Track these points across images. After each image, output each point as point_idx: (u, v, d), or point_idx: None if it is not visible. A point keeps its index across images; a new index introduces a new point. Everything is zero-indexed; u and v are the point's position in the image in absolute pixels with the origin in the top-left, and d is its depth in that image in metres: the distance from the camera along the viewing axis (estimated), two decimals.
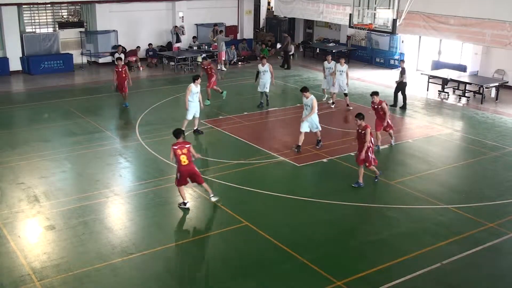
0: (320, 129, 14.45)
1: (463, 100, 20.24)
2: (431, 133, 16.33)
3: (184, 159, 10.72)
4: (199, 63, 25.65)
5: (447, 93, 20.62)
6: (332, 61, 19.10)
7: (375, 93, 14.38)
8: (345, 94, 18.81)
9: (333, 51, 27.30)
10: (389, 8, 19.82)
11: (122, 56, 23.32)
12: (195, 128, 15.62)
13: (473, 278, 8.94)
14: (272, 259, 9.32)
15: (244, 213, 10.85)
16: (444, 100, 20.36)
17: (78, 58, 25.29)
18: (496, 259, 9.50)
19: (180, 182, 10.96)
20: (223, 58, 25.60)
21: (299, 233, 10.26)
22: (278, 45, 28.65)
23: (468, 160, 14.28)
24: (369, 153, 11.95)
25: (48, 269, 8.88)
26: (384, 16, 20.02)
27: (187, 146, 10.82)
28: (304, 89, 14.25)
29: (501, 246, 9.88)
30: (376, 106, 14.28)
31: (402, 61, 19.72)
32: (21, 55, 23.86)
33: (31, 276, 8.68)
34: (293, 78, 23.53)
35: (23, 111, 18.69)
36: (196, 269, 9.18)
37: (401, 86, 18.64)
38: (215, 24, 27.31)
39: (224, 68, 25.43)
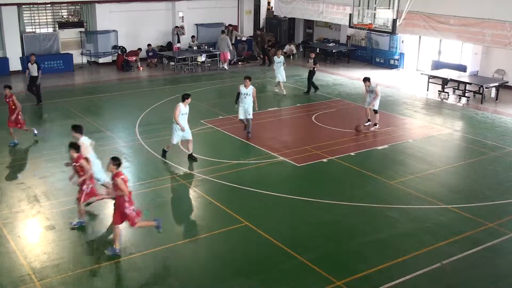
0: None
1: (463, 100, 20.24)
2: (431, 133, 16.32)
3: None
4: (199, 63, 25.74)
5: (447, 93, 20.62)
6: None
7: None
8: (375, 111, 16.35)
9: (333, 51, 27.41)
10: (389, 8, 19.83)
11: (35, 71, 18.61)
12: (189, 153, 13.65)
13: (473, 278, 8.94)
14: (272, 259, 9.32)
15: (244, 213, 10.85)
16: (444, 100, 20.36)
17: (78, 58, 25.29)
18: (496, 259, 9.50)
19: None
20: (229, 58, 25.79)
21: (299, 233, 10.26)
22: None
23: (468, 160, 14.28)
24: (83, 189, 9.83)
25: (48, 269, 8.88)
26: (384, 16, 20.02)
27: None
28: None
29: (501, 246, 9.88)
30: (74, 164, 10.01)
31: (312, 52, 21.51)
32: (21, 55, 23.86)
33: (31, 276, 8.68)
34: (293, 78, 23.50)
35: (23, 111, 18.58)
36: (196, 269, 9.17)
37: (311, 74, 20.50)
38: (229, 24, 27.38)
39: (226, 67, 25.55)
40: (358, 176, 12.97)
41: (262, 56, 27.29)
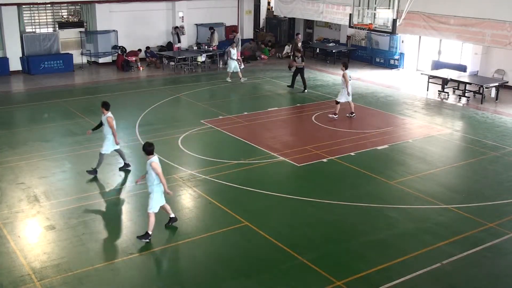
0: None
1: (463, 100, 20.24)
2: (431, 133, 16.32)
3: None
4: (199, 63, 25.74)
5: (447, 93, 20.62)
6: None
7: None
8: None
9: (333, 51, 27.40)
10: (389, 8, 19.83)
11: None
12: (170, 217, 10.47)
13: (473, 278, 8.94)
14: (272, 259, 9.32)
15: (244, 213, 10.85)
16: (444, 100, 20.36)
17: (78, 58, 25.30)
18: (496, 259, 9.50)
19: None
20: (238, 57, 25.88)
21: (299, 233, 10.26)
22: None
23: (468, 160, 14.28)
24: None
25: (48, 269, 8.88)
26: (384, 16, 20.02)
27: None
28: None
29: (501, 246, 9.88)
30: None
31: (299, 50, 21.52)
32: (21, 55, 23.85)
33: (31, 276, 8.68)
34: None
35: (23, 111, 18.68)
36: (196, 269, 9.17)
37: (301, 71, 21.08)
38: (211, 27, 27.35)
39: (243, 65, 25.54)
40: (358, 176, 12.97)
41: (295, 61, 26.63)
